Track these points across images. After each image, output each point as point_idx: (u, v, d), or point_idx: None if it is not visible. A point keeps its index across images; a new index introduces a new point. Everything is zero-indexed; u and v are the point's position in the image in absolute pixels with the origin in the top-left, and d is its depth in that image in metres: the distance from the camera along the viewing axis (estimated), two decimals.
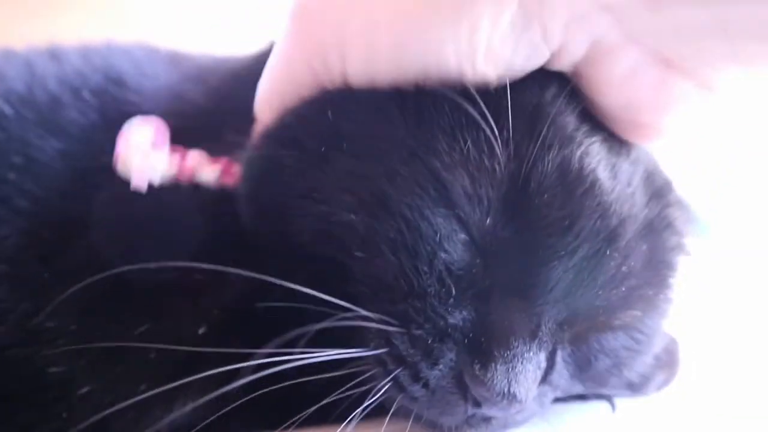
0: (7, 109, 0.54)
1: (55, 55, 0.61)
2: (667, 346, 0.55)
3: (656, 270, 0.44)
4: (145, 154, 0.46)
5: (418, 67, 0.41)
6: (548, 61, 0.41)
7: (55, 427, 0.47)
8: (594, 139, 0.42)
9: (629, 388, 0.50)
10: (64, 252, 0.50)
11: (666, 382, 0.55)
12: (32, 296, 0.49)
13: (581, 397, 0.49)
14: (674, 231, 0.46)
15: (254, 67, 0.55)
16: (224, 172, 0.49)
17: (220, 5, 1.18)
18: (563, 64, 0.41)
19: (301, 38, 0.46)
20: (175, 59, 0.64)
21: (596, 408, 0.50)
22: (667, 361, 0.55)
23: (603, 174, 0.41)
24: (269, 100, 0.48)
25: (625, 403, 0.51)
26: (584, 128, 0.42)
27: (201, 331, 0.46)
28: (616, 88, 0.41)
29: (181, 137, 0.51)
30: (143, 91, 0.58)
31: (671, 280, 0.45)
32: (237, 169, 0.49)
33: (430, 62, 0.40)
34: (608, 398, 0.50)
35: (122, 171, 0.48)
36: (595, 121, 0.43)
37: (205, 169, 0.49)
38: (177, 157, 0.49)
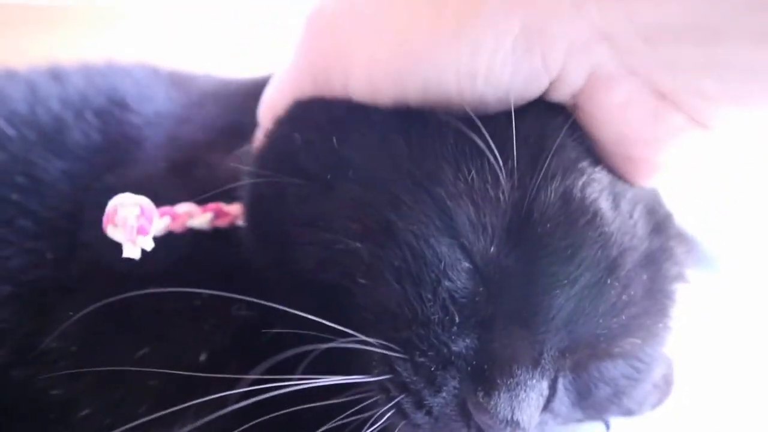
0: (10, 130, 0.55)
1: (56, 75, 0.61)
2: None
3: (656, 299, 0.44)
4: (132, 239, 0.45)
5: (419, 85, 0.41)
6: (548, 91, 0.42)
7: None
8: (596, 169, 0.43)
9: (627, 415, 0.50)
10: (68, 273, 0.50)
11: (660, 401, 0.55)
12: (34, 318, 0.49)
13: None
14: (675, 262, 0.46)
15: (255, 92, 0.56)
16: (216, 216, 0.49)
17: (217, 19, 1.18)
18: (562, 94, 0.42)
19: (308, 50, 0.46)
20: (175, 81, 0.64)
21: (591, 428, 0.51)
22: (663, 382, 0.55)
23: (605, 204, 0.42)
24: (273, 107, 0.49)
25: (619, 420, 0.52)
26: (587, 159, 0.43)
27: (202, 357, 0.46)
28: (610, 119, 0.42)
29: (182, 169, 0.52)
30: (145, 113, 0.59)
31: (671, 310, 0.46)
32: (230, 210, 0.49)
33: (431, 81, 0.41)
34: (604, 420, 0.51)
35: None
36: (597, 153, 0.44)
37: (196, 218, 0.49)
38: (167, 218, 0.48)
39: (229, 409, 0.40)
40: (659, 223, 0.46)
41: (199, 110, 0.60)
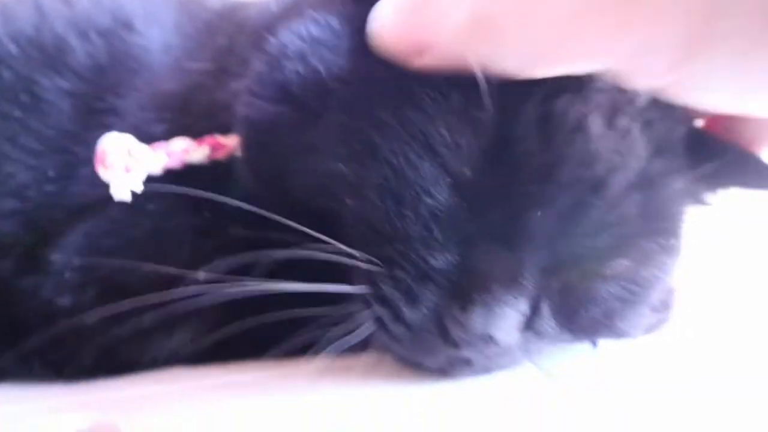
0: (14, 49, 0.57)
1: None
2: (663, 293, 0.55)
3: (652, 221, 0.43)
4: (120, 181, 0.47)
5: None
6: None
7: (64, 354, 0.50)
8: (590, 86, 0.41)
9: (620, 337, 0.50)
10: (68, 189, 0.52)
11: (655, 326, 0.55)
12: (38, 230, 0.52)
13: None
14: (679, 183, 0.44)
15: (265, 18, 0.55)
16: (214, 149, 0.50)
17: None
18: None
19: None
20: (183, 2, 0.64)
21: (579, 346, 0.50)
22: (660, 307, 0.55)
23: (594, 122, 0.40)
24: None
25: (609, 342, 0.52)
26: (578, 77, 0.41)
27: (201, 276, 0.47)
28: None
29: (183, 99, 0.53)
30: (151, 36, 0.59)
31: (672, 232, 0.45)
32: (227, 142, 0.50)
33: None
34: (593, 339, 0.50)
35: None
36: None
37: (192, 152, 0.50)
38: (163, 156, 0.49)
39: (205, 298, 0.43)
40: (666, 143, 0.44)
41: (207, 37, 0.60)
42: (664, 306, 0.55)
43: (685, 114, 0.46)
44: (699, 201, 0.50)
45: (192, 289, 0.43)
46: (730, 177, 0.48)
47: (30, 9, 0.61)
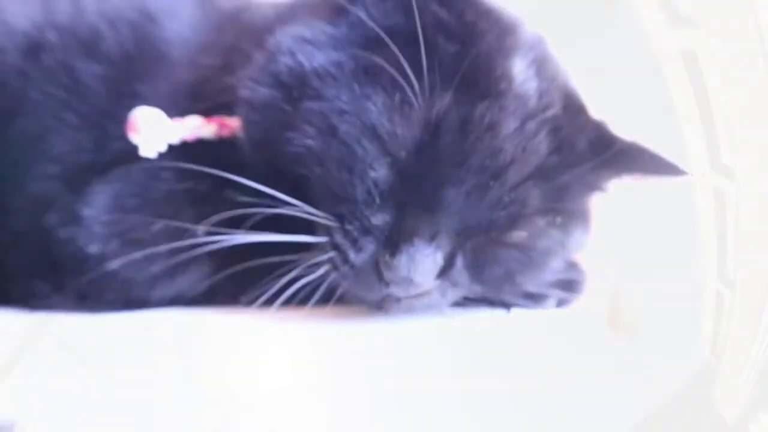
0: (55, 38, 0.68)
1: None
2: (573, 274, 0.68)
3: (548, 203, 0.56)
4: (147, 143, 0.59)
5: None
6: None
7: (91, 290, 0.63)
8: (507, 96, 0.55)
9: (527, 299, 0.63)
10: (103, 159, 0.64)
11: (564, 302, 0.67)
12: (75, 191, 0.64)
13: (489, 303, 0.63)
14: (573, 174, 0.57)
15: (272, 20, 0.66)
16: (220, 127, 0.62)
17: None
18: None
19: None
20: (199, 1, 0.74)
21: (494, 312, 0.63)
22: (569, 285, 0.67)
23: (505, 124, 0.54)
24: None
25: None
26: (498, 88, 0.55)
27: (200, 231, 0.59)
28: None
29: (197, 86, 0.65)
30: (171, 29, 0.70)
31: (564, 214, 0.58)
32: (231, 123, 0.61)
33: None
34: (507, 305, 0.64)
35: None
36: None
37: (204, 128, 0.62)
38: (180, 129, 0.61)
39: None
40: (567, 143, 0.57)
41: (217, 35, 0.70)
42: (570, 286, 0.68)
43: (590, 120, 0.60)
44: (597, 188, 0.63)
45: (194, 241, 0.57)
46: (620, 166, 0.60)
47: (66, 1, 0.71)
